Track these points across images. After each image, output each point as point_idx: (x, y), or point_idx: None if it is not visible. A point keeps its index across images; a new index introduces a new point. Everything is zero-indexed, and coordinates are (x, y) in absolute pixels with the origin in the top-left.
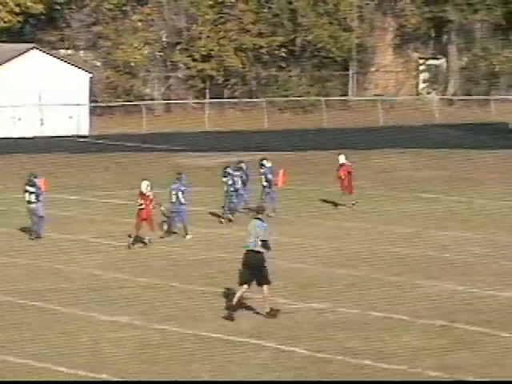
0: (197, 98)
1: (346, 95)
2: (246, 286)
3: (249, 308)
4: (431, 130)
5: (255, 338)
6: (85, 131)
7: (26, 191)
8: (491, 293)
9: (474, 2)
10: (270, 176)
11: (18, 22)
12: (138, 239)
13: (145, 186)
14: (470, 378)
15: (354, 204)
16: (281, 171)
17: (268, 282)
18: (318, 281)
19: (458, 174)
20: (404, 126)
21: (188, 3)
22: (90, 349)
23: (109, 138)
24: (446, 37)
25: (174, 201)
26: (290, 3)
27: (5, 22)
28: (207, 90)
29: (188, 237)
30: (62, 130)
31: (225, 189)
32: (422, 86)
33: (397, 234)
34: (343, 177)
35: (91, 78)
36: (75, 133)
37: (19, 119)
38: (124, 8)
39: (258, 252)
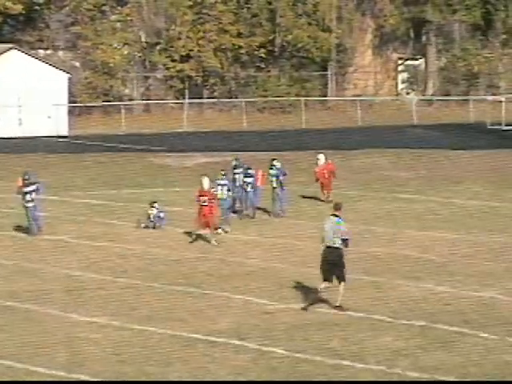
0: (176, 98)
1: (325, 96)
2: (327, 283)
3: (228, 308)
4: (410, 130)
5: (235, 339)
6: (64, 131)
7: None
8: (471, 293)
9: (452, 2)
10: (281, 177)
11: None
12: (205, 235)
13: (207, 182)
14: (450, 379)
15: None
16: (260, 171)
17: (344, 280)
18: (295, 281)
19: (438, 173)
20: (383, 126)
21: (167, 4)
22: (69, 349)
23: (88, 138)
24: (425, 37)
25: (225, 197)
26: (269, 3)
27: None
28: (186, 91)
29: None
30: (41, 131)
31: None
32: (401, 86)
33: (376, 233)
34: (321, 179)
35: (70, 78)
36: (54, 133)
37: None
38: (103, 8)
39: (337, 248)
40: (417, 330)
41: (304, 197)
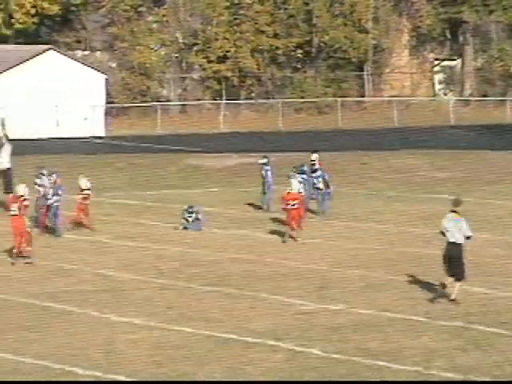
0: (213, 98)
1: (361, 96)
2: (450, 279)
3: (265, 309)
4: (447, 130)
5: (271, 339)
6: (100, 132)
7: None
8: (508, 294)
9: (489, 2)
10: (327, 177)
11: (34, 23)
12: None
13: (296, 184)
14: (486, 379)
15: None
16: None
17: (462, 277)
18: (332, 282)
19: (474, 174)
20: (420, 126)
21: (204, 4)
22: (106, 350)
23: (124, 139)
24: (461, 38)
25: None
26: (306, 4)
27: (21, 24)
28: (223, 91)
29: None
30: (78, 131)
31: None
32: (438, 86)
33: (412, 234)
34: None
35: (107, 79)
36: (91, 134)
37: (35, 120)
38: (140, 9)
39: (459, 244)
40: (453, 331)
41: (340, 197)
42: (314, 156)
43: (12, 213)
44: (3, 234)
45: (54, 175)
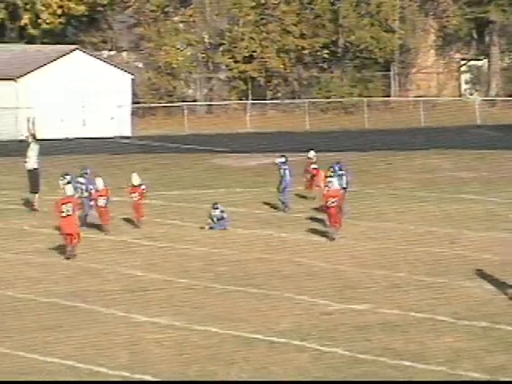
0: (239, 99)
1: (387, 96)
2: None
3: (290, 309)
4: (473, 130)
5: (296, 339)
6: (127, 132)
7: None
8: None
9: None
10: (349, 178)
11: (61, 23)
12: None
13: (336, 182)
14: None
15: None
16: (321, 172)
17: None
18: (357, 282)
19: (500, 174)
20: (446, 126)
21: (230, 4)
22: (131, 350)
23: (151, 139)
24: (488, 38)
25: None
26: (332, 4)
27: (47, 24)
28: (249, 91)
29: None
30: (105, 131)
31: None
32: (464, 86)
33: (437, 234)
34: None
35: (133, 79)
36: (117, 134)
37: (62, 120)
38: (166, 9)
39: None
40: (479, 331)
41: (365, 197)
42: (312, 154)
43: (64, 213)
44: (30, 233)
45: (68, 176)
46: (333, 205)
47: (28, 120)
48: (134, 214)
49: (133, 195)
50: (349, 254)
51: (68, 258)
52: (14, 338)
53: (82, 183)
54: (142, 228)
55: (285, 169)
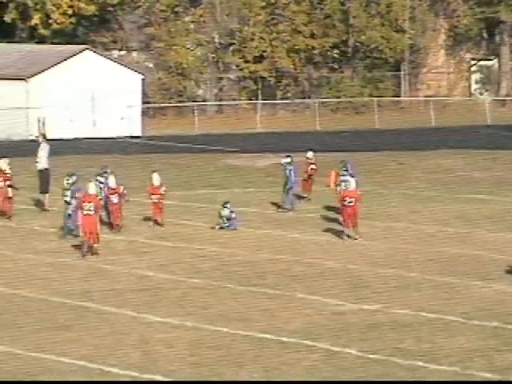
0: (249, 99)
1: (398, 96)
2: None
3: (301, 308)
4: (484, 130)
5: (307, 339)
6: (137, 132)
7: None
8: None
9: None
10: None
11: (71, 23)
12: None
13: (353, 182)
14: None
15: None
16: (333, 172)
17: None
18: (369, 282)
19: (511, 174)
20: (456, 126)
21: (240, 4)
22: (142, 349)
23: (161, 139)
24: (498, 37)
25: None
26: (343, 4)
27: (58, 24)
28: (259, 91)
29: None
30: (115, 131)
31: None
32: (474, 86)
33: (449, 234)
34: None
35: (143, 79)
36: (128, 134)
37: (71, 120)
38: (176, 9)
39: None
40: (490, 331)
41: (377, 197)
42: (310, 154)
43: (86, 212)
44: (40, 233)
45: (74, 176)
46: (350, 204)
47: (38, 120)
48: (154, 213)
49: (153, 196)
50: (360, 254)
51: (84, 256)
52: (26, 339)
53: (101, 182)
54: (155, 228)
55: (290, 169)
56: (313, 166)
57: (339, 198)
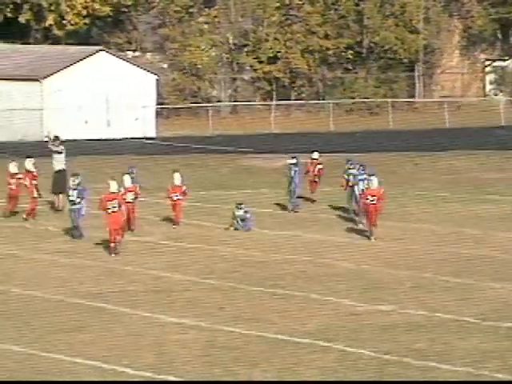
0: (263, 99)
1: (412, 97)
2: None
3: (315, 309)
4: (498, 131)
5: (322, 340)
6: (151, 133)
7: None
8: None
9: None
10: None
11: (85, 24)
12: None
13: (376, 181)
14: None
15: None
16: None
17: None
18: (383, 282)
19: None
20: (471, 127)
21: (254, 5)
22: (156, 350)
23: (175, 139)
24: None
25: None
26: (357, 5)
27: (72, 25)
28: (274, 92)
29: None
30: (129, 132)
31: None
32: (489, 87)
33: (464, 235)
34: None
35: (158, 79)
36: (142, 135)
37: (86, 121)
38: (190, 10)
39: None
40: (505, 332)
41: (391, 198)
42: (316, 155)
43: (111, 210)
44: (54, 234)
45: (80, 177)
46: (372, 203)
47: (46, 136)
48: (174, 213)
49: (173, 195)
50: (374, 255)
51: (116, 254)
52: (41, 339)
53: (133, 178)
54: (169, 228)
55: (295, 170)
56: (320, 166)
57: (362, 195)
